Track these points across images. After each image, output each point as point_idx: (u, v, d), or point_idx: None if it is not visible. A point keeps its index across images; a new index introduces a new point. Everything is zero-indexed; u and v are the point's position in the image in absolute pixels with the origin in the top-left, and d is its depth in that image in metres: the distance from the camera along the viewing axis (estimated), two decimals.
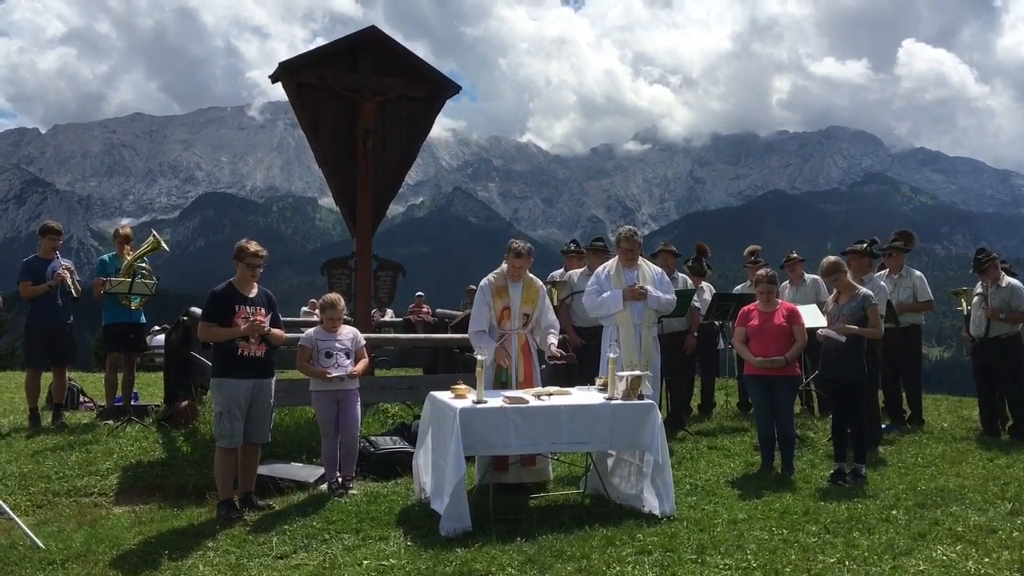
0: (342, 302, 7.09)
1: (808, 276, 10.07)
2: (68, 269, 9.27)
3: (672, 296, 7.92)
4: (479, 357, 6.17)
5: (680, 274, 9.99)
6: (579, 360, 8.32)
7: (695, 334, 9.75)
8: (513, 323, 6.96)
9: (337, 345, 6.81)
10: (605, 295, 7.68)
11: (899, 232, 10.04)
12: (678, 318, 9.23)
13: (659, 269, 8.14)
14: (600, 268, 8.03)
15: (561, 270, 9.98)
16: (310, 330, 6.98)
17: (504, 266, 7.00)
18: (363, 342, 7.08)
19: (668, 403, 9.21)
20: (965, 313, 9.47)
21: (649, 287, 7.66)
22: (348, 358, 6.82)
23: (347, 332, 6.97)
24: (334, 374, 6.68)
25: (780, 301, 7.66)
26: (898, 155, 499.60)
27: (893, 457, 7.87)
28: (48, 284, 9.03)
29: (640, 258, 7.94)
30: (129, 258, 9.51)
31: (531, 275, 7.07)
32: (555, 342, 6.97)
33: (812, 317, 8.21)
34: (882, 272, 9.82)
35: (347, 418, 6.79)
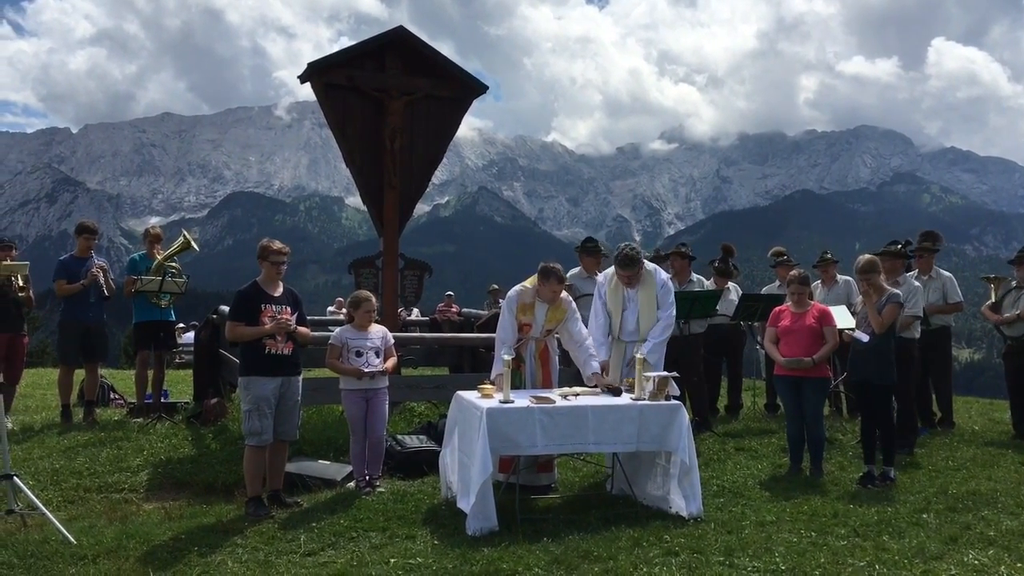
0: (374, 299, 7.09)
1: (840, 277, 9.97)
2: (102, 268, 9.40)
3: (665, 324, 7.02)
4: (505, 357, 6.17)
5: (696, 276, 9.90)
6: None
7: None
8: (533, 335, 6.87)
9: (368, 344, 6.81)
10: (596, 346, 6.98)
11: (925, 232, 9.88)
12: (697, 320, 9.19)
13: (664, 278, 7.22)
14: (601, 280, 7.37)
15: (578, 268, 9.93)
16: (339, 328, 6.97)
17: (535, 283, 6.75)
18: (392, 341, 7.08)
19: (689, 406, 9.15)
20: (994, 300, 9.32)
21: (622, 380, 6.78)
22: (378, 357, 6.84)
23: (377, 331, 6.98)
24: (368, 370, 6.70)
25: (812, 302, 7.60)
26: (928, 155, 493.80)
27: (923, 460, 7.79)
28: (82, 283, 9.16)
29: (646, 270, 7.08)
30: (160, 257, 9.62)
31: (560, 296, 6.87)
32: (598, 370, 6.73)
33: (841, 318, 8.14)
34: (911, 273, 9.69)
35: (375, 416, 6.81)
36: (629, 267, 6.98)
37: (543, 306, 6.80)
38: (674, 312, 7.18)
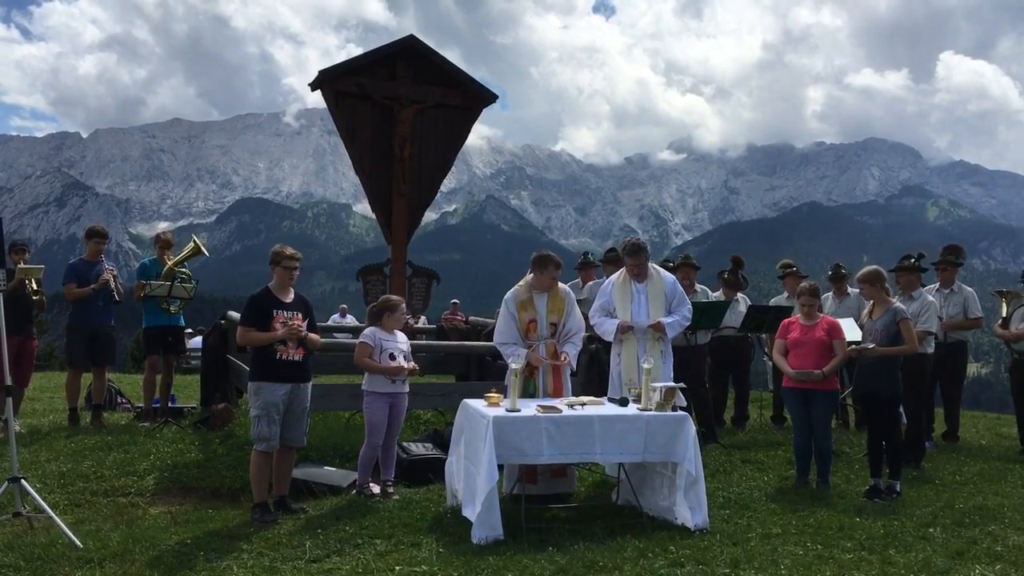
0: (404, 303, 7.16)
1: (852, 290, 9.96)
2: (112, 273, 9.44)
3: (683, 315, 7.26)
4: (513, 365, 6.18)
5: (701, 286, 9.90)
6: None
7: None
8: (541, 334, 6.87)
9: (398, 347, 6.89)
10: (605, 323, 7.25)
11: (949, 247, 9.86)
12: (702, 331, 9.18)
13: (672, 278, 7.47)
14: (607, 281, 7.58)
15: (577, 281, 9.90)
16: (369, 329, 6.93)
17: (529, 277, 6.87)
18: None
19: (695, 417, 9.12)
20: (1004, 315, 9.30)
21: (665, 319, 7.12)
22: (405, 361, 6.90)
23: (401, 335, 7.06)
24: (410, 366, 6.81)
25: (822, 315, 7.59)
26: (936, 168, 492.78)
27: (930, 474, 7.77)
28: (92, 287, 9.20)
29: (652, 267, 7.36)
30: (170, 262, 9.66)
31: (557, 283, 6.98)
32: (571, 352, 6.85)
33: (850, 331, 8.13)
34: (931, 286, 9.58)
35: (397, 421, 6.92)
36: (637, 255, 7.20)
37: (542, 298, 6.86)
38: (688, 315, 7.33)
